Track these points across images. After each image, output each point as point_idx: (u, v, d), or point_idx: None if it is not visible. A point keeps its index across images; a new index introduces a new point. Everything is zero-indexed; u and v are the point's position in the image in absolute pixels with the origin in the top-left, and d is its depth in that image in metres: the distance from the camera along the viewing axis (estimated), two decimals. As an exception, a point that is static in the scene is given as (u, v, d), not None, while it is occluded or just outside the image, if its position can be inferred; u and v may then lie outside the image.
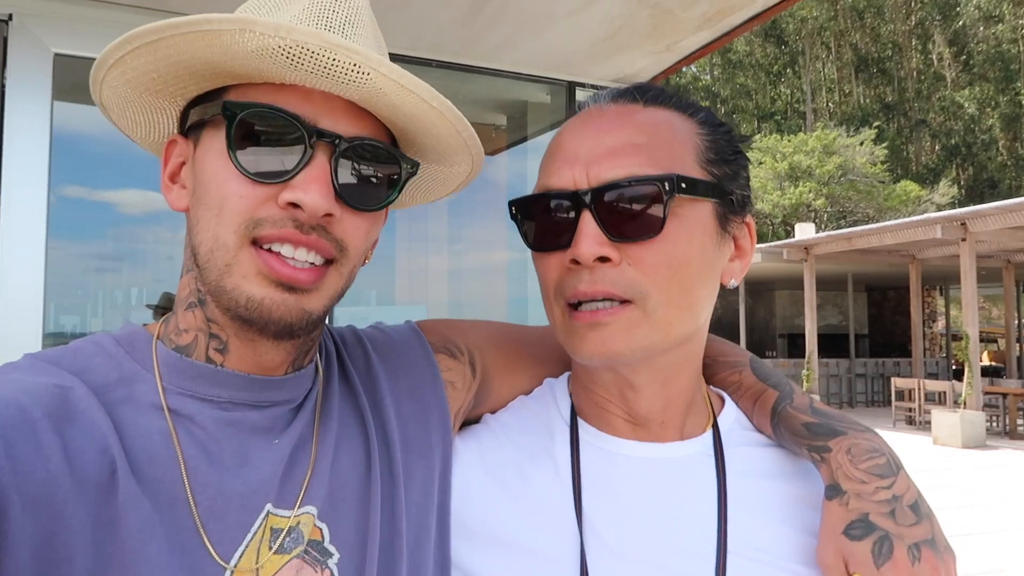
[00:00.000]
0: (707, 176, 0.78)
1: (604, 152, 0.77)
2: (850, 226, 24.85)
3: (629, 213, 0.74)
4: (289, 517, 0.71)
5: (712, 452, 0.84)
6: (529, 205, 0.81)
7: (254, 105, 0.68)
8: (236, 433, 0.71)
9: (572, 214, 0.77)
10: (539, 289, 0.84)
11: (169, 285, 3.75)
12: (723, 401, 0.90)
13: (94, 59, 0.70)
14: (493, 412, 0.94)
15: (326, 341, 0.87)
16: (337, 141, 0.69)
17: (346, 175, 0.70)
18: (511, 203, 0.83)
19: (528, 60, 2.81)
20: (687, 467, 0.82)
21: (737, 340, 18.82)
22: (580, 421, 0.87)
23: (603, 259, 0.75)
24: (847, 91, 45.42)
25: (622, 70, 2.90)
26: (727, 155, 0.81)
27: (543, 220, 0.80)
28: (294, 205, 0.68)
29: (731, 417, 0.88)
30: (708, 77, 44.09)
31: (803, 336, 17.50)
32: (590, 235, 0.74)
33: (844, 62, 44.82)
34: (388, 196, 0.75)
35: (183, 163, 0.76)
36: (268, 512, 0.70)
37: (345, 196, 0.70)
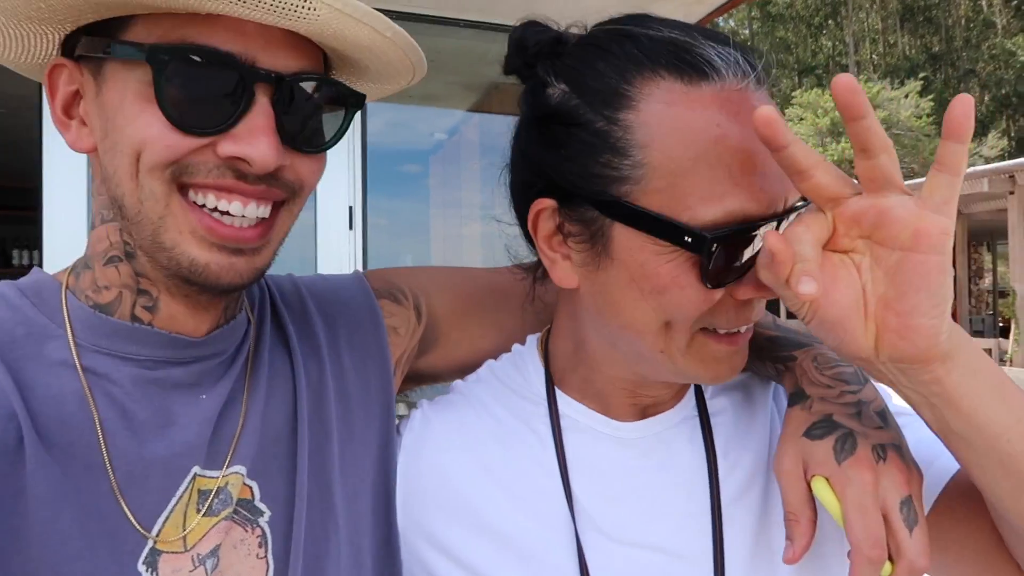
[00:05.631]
0: None
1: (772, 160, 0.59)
2: (894, 182, 24.09)
3: None
4: (217, 478, 0.66)
5: (696, 414, 0.79)
6: (728, 237, 0.62)
7: (187, 48, 0.59)
8: (159, 391, 0.66)
9: (752, 250, 0.63)
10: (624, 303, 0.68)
11: None
12: None
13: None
14: (450, 367, 0.89)
15: (260, 290, 0.80)
16: (280, 81, 0.61)
17: (292, 118, 0.63)
18: (712, 239, 0.61)
19: (558, 18, 2.81)
20: (672, 438, 0.78)
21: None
22: (558, 392, 0.80)
23: None
24: (892, 42, 43.84)
25: (651, 30, 2.89)
26: None
27: (728, 253, 0.63)
28: (238, 158, 0.61)
29: None
30: (747, 31, 42.90)
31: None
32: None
33: (889, 11, 43.19)
34: (337, 132, 0.70)
35: (76, 92, 0.66)
36: (195, 474, 0.66)
37: (294, 142, 0.64)
